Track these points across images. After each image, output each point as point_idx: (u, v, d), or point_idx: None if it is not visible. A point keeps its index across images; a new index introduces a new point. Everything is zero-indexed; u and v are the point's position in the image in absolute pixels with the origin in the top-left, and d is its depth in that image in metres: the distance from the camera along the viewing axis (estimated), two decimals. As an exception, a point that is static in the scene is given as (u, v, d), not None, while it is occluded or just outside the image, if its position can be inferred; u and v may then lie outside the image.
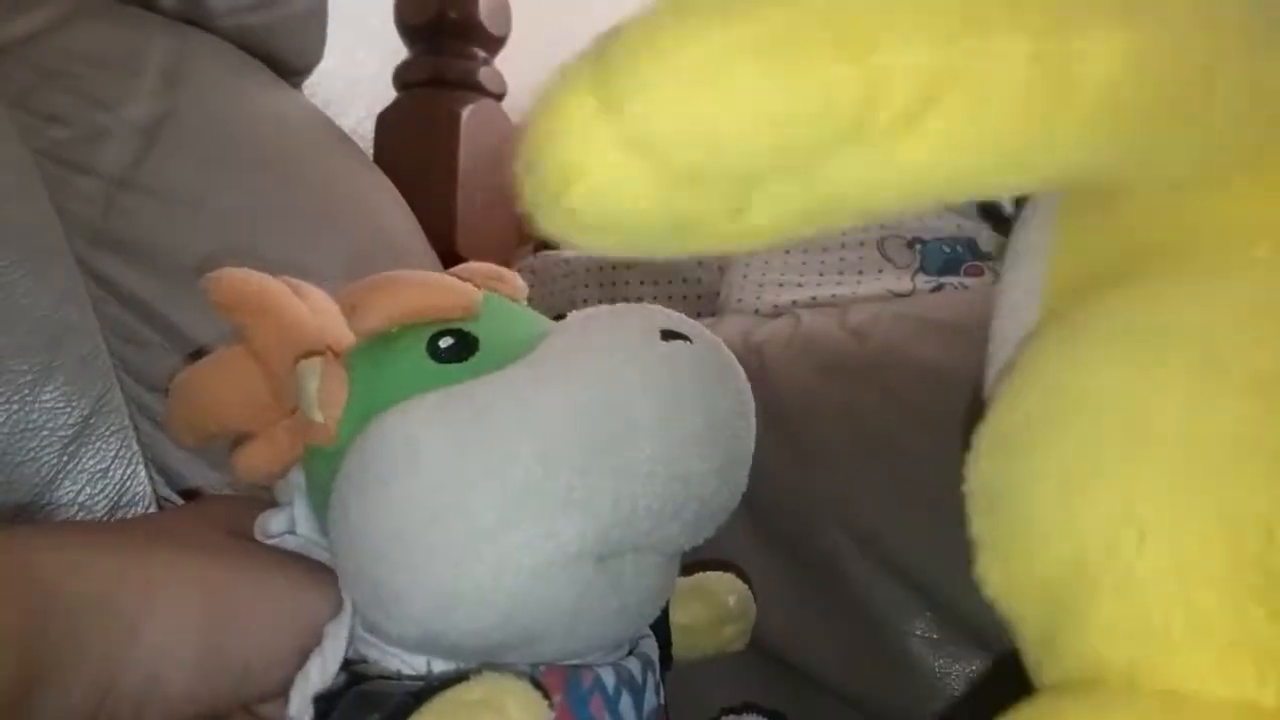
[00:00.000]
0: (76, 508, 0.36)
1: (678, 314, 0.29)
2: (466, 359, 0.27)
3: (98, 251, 0.41)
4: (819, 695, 0.44)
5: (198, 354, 0.38)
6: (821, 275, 0.67)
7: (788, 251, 0.69)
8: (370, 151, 0.76)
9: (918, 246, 0.66)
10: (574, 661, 0.28)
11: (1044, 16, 0.16)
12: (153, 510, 0.38)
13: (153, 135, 0.46)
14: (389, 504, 0.25)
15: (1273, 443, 0.17)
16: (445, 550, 0.24)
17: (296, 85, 0.61)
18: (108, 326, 0.40)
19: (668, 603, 0.32)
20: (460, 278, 0.29)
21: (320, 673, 0.26)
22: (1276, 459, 0.17)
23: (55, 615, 0.23)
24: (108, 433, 0.38)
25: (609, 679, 0.28)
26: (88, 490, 0.37)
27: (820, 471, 0.46)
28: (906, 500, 0.44)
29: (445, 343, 0.27)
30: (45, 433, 0.36)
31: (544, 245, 0.95)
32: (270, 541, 0.28)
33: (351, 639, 0.27)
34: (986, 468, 0.20)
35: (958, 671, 0.41)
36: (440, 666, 0.27)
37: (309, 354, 0.27)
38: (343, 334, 0.28)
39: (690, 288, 0.76)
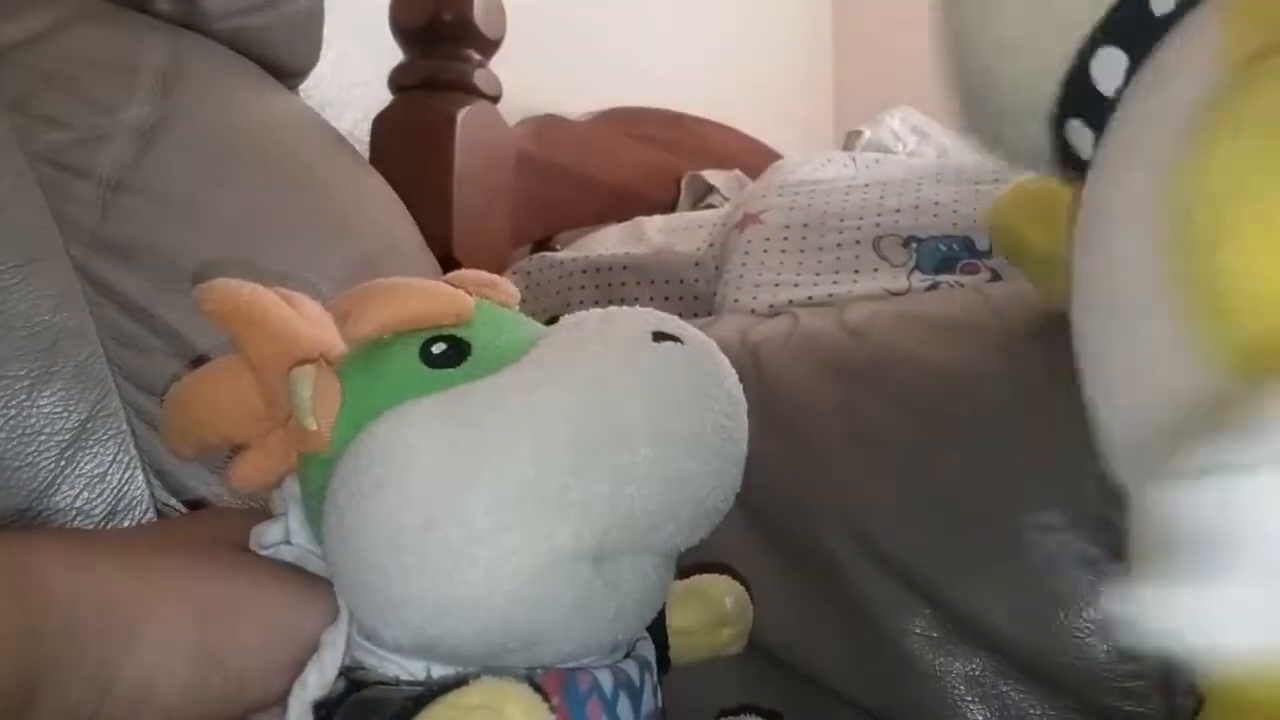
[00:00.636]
0: (74, 512, 0.36)
1: (669, 316, 0.29)
2: (459, 364, 0.27)
3: (95, 255, 0.41)
4: (818, 695, 0.44)
5: (198, 360, 0.38)
6: (817, 274, 0.66)
7: (784, 251, 0.69)
8: (366, 154, 0.76)
9: (913, 245, 0.66)
10: (571, 664, 0.28)
11: None
12: (151, 515, 0.38)
13: (150, 139, 0.45)
14: (383, 510, 0.25)
15: None
16: (440, 555, 0.24)
17: (293, 88, 0.61)
18: (105, 331, 0.40)
19: (665, 605, 0.32)
20: (452, 284, 0.29)
21: (318, 680, 0.26)
22: None
23: (54, 616, 0.23)
24: (105, 437, 0.38)
25: (606, 681, 0.28)
26: (85, 495, 0.37)
27: (819, 471, 0.46)
28: (906, 500, 0.44)
29: (438, 348, 0.27)
30: (43, 437, 0.36)
31: (539, 246, 0.95)
32: (265, 552, 0.29)
33: (349, 646, 0.27)
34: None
35: (958, 671, 0.41)
36: (439, 671, 0.27)
37: (302, 362, 0.27)
38: (335, 342, 0.28)
39: (685, 289, 0.76)
